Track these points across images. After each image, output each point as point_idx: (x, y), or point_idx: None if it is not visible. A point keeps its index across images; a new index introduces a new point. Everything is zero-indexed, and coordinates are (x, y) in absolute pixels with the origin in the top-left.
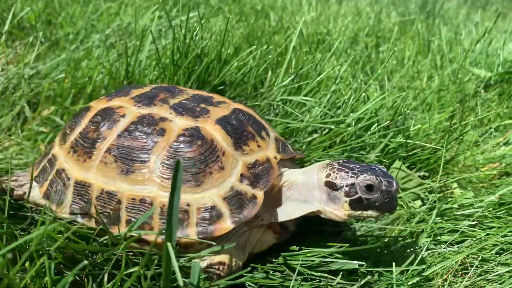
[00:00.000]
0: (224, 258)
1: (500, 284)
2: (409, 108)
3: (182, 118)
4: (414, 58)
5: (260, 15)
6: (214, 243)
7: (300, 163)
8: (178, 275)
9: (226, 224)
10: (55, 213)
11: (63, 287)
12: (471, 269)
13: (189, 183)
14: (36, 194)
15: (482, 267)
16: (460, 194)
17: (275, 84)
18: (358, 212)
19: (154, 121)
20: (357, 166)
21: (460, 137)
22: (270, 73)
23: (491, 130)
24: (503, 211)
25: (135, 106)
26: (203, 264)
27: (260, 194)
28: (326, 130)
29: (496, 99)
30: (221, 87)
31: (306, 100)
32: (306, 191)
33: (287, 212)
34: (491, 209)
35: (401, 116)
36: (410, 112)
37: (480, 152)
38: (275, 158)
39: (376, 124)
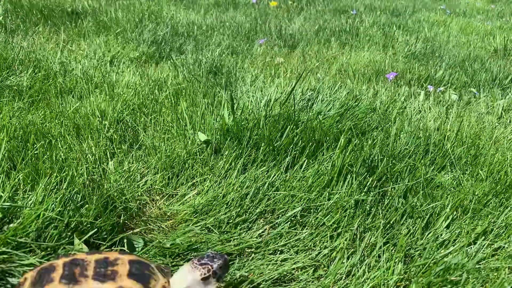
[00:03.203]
0: None
1: None
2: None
3: (106, 284)
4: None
5: None
6: None
7: None
8: None
9: None
10: None
11: None
12: None
13: None
14: None
15: None
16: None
17: None
18: (220, 280)
19: None
20: (208, 260)
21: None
22: None
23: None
24: None
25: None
26: None
27: None
28: None
29: (205, 158)
30: None
31: None
32: None
33: None
34: None
35: None
36: None
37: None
38: (167, 282)
39: None
